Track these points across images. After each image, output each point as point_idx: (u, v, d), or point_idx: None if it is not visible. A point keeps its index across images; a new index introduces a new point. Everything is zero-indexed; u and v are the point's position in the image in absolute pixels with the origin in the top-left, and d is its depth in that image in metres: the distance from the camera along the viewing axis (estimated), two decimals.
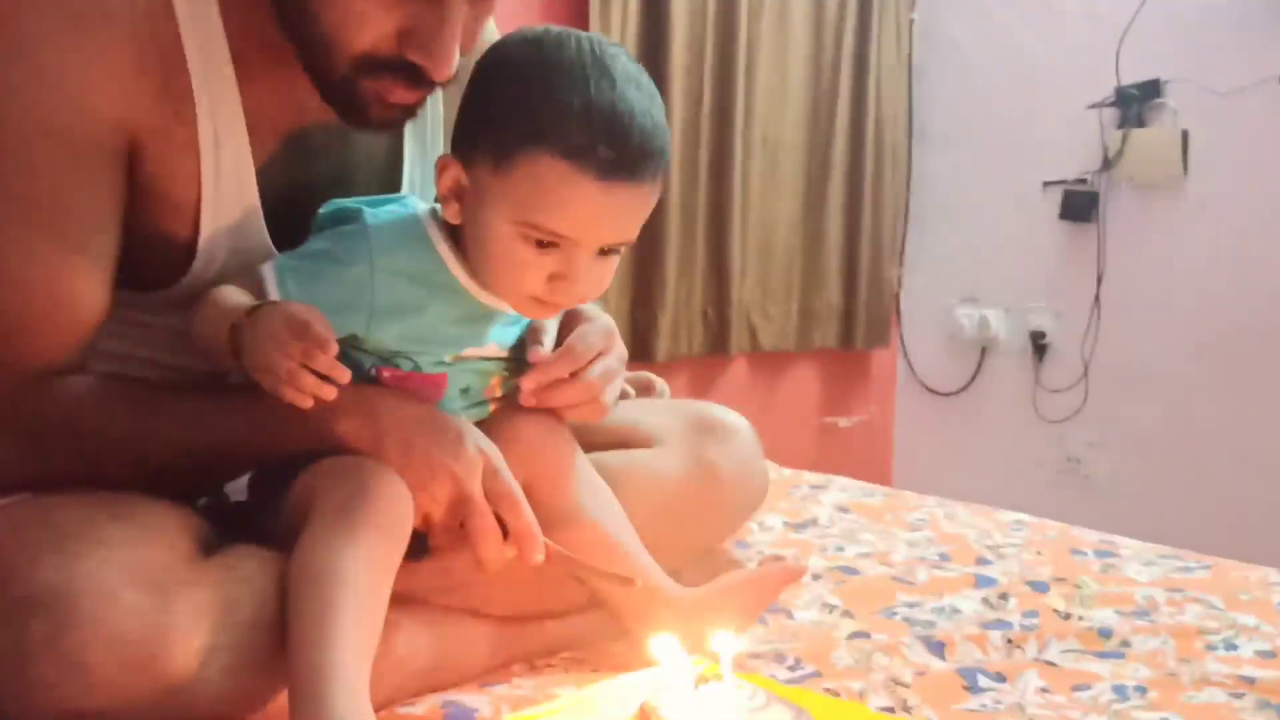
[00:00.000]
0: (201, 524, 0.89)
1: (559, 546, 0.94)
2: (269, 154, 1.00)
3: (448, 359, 0.96)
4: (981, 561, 1.34)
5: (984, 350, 3.21)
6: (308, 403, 0.83)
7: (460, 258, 0.95)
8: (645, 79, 0.90)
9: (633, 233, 0.91)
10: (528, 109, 0.87)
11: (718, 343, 2.89)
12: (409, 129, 1.08)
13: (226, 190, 0.96)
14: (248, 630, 0.81)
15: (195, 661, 0.78)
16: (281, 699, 0.80)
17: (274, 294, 0.91)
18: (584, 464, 1.01)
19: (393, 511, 0.86)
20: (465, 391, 0.99)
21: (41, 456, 0.94)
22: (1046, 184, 3.02)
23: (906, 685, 0.97)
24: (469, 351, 0.97)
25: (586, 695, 0.90)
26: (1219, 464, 2.76)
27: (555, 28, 0.91)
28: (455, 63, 0.90)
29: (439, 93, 1.01)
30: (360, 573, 0.81)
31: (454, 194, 0.92)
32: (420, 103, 0.95)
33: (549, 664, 1.02)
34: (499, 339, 0.99)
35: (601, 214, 0.88)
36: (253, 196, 0.98)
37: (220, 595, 0.81)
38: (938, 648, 1.06)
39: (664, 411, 1.14)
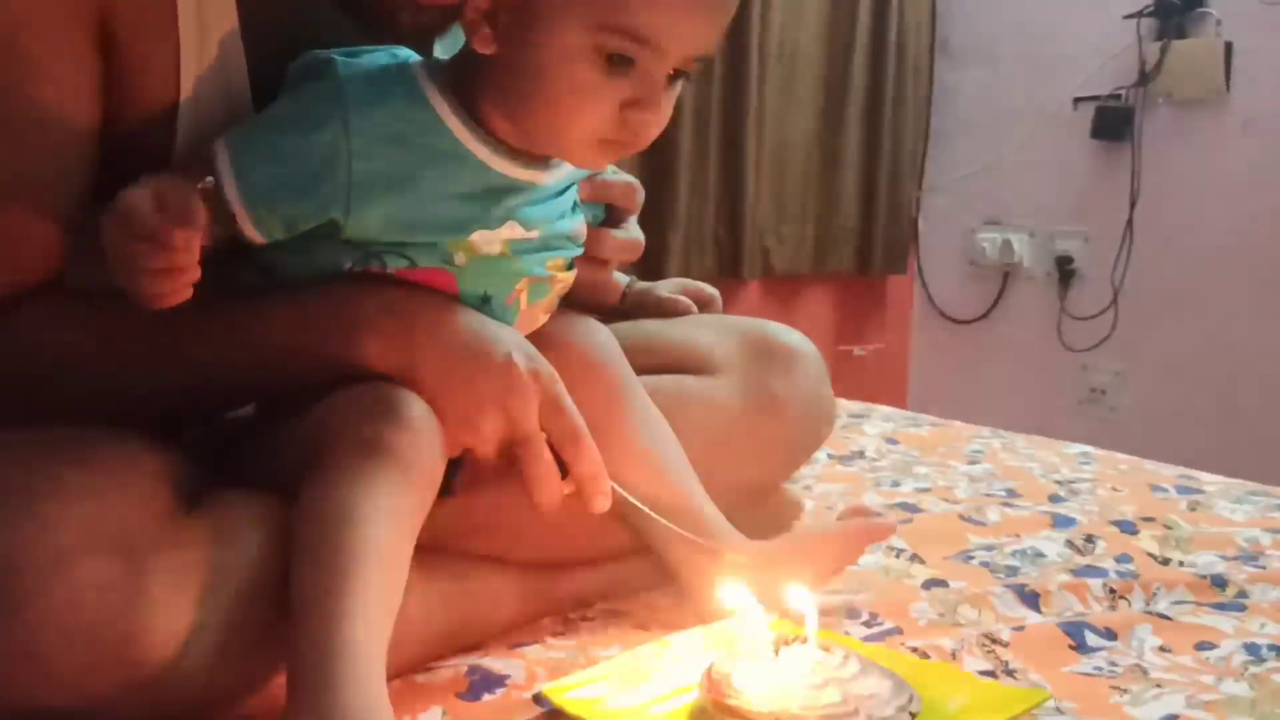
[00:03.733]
0: (185, 466, 0.72)
1: (627, 494, 0.80)
2: (266, 44, 0.81)
3: (456, 257, 0.77)
4: (1054, 499, 1.20)
5: (1006, 276, 3.05)
6: (159, 304, 0.67)
7: (464, 115, 0.76)
8: None
9: (714, 44, 0.74)
10: None
11: (730, 266, 2.74)
12: None
13: (210, 83, 0.78)
14: (240, 602, 0.66)
15: (176, 644, 0.62)
16: (279, 680, 0.64)
17: (226, 176, 0.72)
18: (639, 390, 0.85)
19: (422, 453, 0.70)
20: (485, 301, 0.79)
21: None
22: (1078, 100, 2.84)
23: (1004, 644, 0.83)
24: (480, 236, 0.77)
25: (637, 659, 0.76)
26: (1252, 396, 2.62)
27: None
28: None
29: None
30: (380, 529, 0.65)
31: (487, 15, 0.73)
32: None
33: (584, 617, 0.88)
34: (523, 218, 0.79)
35: (697, 11, 0.71)
36: (244, 95, 0.79)
37: (206, 559, 0.65)
38: (1031, 599, 0.92)
39: (718, 330, 0.98)
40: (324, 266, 0.77)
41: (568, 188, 0.84)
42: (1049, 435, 1.68)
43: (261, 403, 0.84)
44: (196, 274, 0.67)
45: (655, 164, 2.54)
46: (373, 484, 0.67)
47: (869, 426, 1.51)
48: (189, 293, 0.68)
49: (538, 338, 0.82)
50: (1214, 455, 2.48)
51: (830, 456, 1.35)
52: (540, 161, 0.79)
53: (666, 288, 1.04)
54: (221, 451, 0.82)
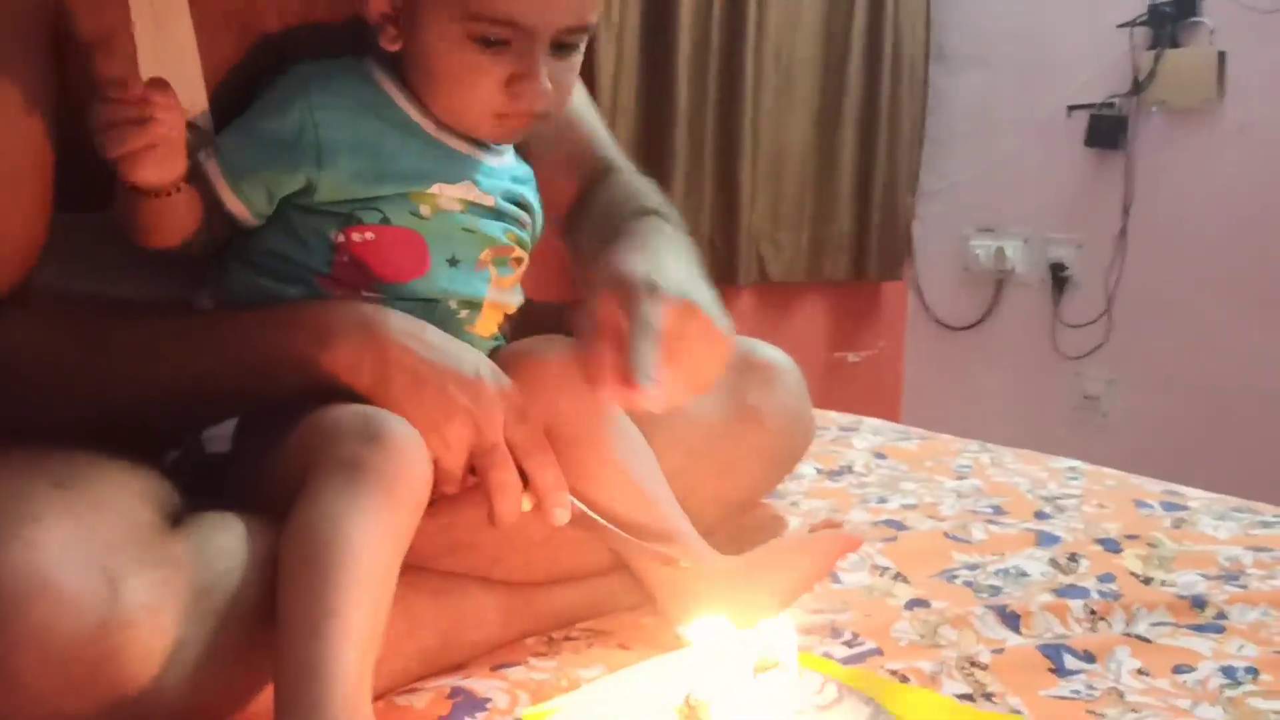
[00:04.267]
0: (168, 488, 0.73)
1: (585, 508, 0.81)
2: (229, 57, 0.84)
3: (422, 209, 0.83)
4: (1040, 516, 1.21)
5: (1000, 283, 3.06)
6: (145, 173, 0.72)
7: (409, 94, 0.85)
8: None
9: (588, 13, 0.81)
10: None
11: (725, 272, 2.74)
12: None
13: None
14: (222, 620, 0.66)
15: (155, 664, 0.62)
16: (259, 700, 0.65)
17: (210, 165, 0.80)
18: (615, 406, 0.86)
19: (409, 472, 0.71)
20: (453, 264, 0.85)
21: None
22: (1072, 108, 2.85)
23: (984, 667, 0.84)
24: (439, 189, 0.84)
25: (619, 683, 0.76)
26: (1245, 403, 2.63)
27: None
28: None
29: None
30: (367, 550, 0.66)
31: (387, 17, 0.83)
32: None
33: (567, 636, 0.89)
34: (479, 184, 0.87)
35: None
36: (201, 102, 0.82)
37: (186, 579, 0.65)
38: (1012, 619, 0.93)
39: None
40: (311, 241, 0.82)
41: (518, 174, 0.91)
42: (1042, 442, 1.69)
43: (242, 420, 0.85)
44: (181, 145, 0.73)
45: (650, 169, 2.54)
46: (358, 505, 0.68)
47: (858, 440, 1.51)
48: (176, 163, 0.74)
49: (517, 353, 0.84)
50: (1205, 462, 2.50)
51: (819, 471, 1.36)
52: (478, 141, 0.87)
53: None
54: (202, 475, 0.82)
